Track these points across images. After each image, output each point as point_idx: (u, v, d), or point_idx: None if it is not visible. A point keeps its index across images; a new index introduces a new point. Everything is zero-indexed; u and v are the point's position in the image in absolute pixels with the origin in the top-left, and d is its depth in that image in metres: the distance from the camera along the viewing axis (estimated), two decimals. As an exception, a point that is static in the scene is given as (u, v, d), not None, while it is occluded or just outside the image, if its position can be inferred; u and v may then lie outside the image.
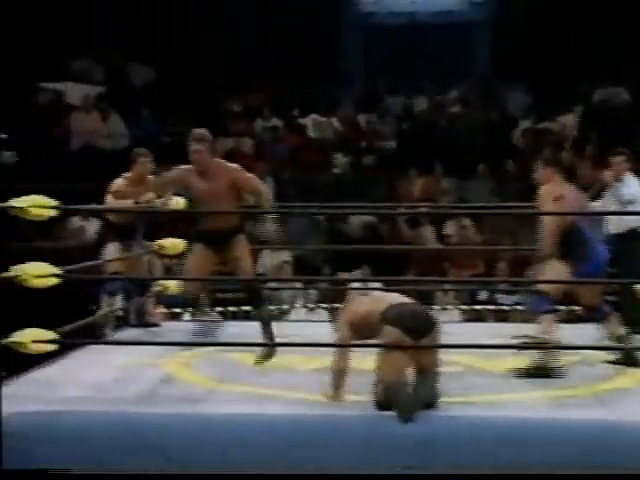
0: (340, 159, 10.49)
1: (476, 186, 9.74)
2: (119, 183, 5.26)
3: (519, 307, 6.91)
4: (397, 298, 3.45)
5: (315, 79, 11.05)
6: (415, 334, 3.27)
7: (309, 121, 10.86)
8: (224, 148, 10.61)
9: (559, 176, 4.15)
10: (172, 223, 7.05)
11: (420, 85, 11.15)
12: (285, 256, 8.97)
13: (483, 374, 4.03)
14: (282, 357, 4.27)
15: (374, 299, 3.48)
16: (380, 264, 8.54)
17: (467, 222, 9.35)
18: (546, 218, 3.96)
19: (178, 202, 5.37)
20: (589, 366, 4.17)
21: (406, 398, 3.18)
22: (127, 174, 5.30)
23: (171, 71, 10.83)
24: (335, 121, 10.86)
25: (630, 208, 5.15)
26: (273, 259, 8.94)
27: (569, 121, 10.37)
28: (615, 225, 5.24)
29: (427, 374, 3.30)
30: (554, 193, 4.00)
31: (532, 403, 3.49)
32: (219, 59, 11.46)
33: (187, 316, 6.85)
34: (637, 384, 3.82)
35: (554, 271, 3.96)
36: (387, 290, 3.81)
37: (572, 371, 4.04)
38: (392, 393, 3.19)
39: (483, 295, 7.62)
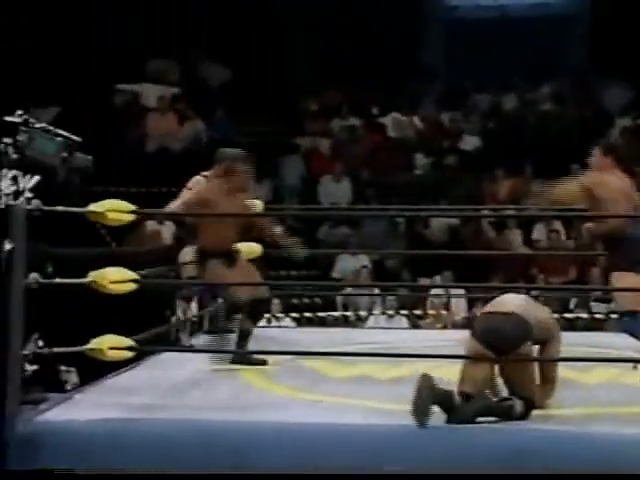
0: (421, 159, 10.44)
1: (568, 187, 9.53)
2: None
3: (613, 315, 6.75)
4: (517, 306, 3.40)
5: (396, 76, 11.03)
6: (494, 350, 3.29)
7: (389, 120, 10.85)
8: (301, 148, 10.71)
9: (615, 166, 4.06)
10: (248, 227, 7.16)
11: (509, 81, 10.99)
12: (364, 261, 9.00)
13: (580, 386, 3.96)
14: (361, 366, 4.30)
15: (494, 304, 3.49)
16: (463, 270, 8.47)
17: (558, 226, 9.19)
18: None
19: (254, 204, 5.44)
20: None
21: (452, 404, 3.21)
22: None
23: (247, 71, 11.01)
24: (416, 120, 10.82)
25: None
26: (351, 264, 8.98)
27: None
28: None
29: (512, 390, 3.31)
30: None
31: (622, 418, 3.42)
32: (297, 58, 11.58)
33: (262, 322, 6.95)
34: None
35: (626, 282, 3.84)
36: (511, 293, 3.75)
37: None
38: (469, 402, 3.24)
39: (574, 303, 7.47)
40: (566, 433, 3.20)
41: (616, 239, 4.08)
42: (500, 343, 3.30)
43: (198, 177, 5.36)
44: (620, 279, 4.01)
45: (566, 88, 10.79)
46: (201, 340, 5.15)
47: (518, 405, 3.30)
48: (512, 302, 3.44)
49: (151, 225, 8.51)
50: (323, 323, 7.31)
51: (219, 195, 4.47)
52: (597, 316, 6.88)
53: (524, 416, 3.30)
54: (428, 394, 3.20)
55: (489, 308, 3.47)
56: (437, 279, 8.79)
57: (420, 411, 3.17)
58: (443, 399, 3.24)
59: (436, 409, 3.23)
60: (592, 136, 10.03)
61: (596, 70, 10.92)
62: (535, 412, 3.35)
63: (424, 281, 8.83)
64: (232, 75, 11.31)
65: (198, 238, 4.45)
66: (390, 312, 7.65)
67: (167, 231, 8.45)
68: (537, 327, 3.40)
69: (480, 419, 3.25)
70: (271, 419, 3.36)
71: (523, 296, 3.51)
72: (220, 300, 5.40)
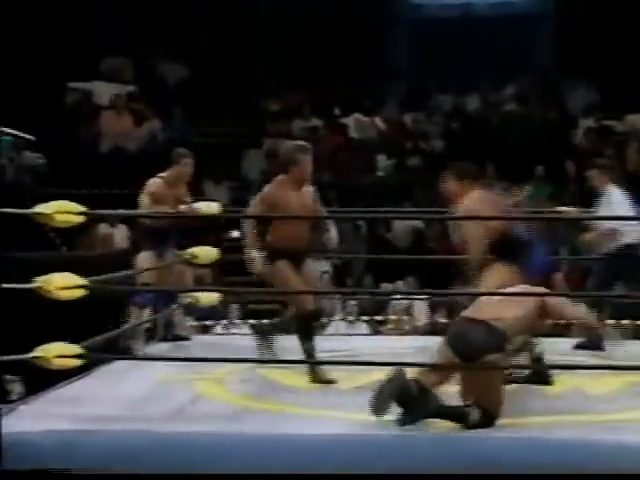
0: (384, 161, 10.47)
1: (532, 190, 9.65)
2: (156, 184, 5.29)
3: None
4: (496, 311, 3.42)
5: (359, 76, 11.05)
6: (460, 356, 3.34)
7: (351, 121, 10.87)
8: (260, 150, 10.67)
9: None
10: (204, 231, 7.12)
11: (473, 82, 11.08)
12: (325, 265, 8.97)
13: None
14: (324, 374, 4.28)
15: (471, 309, 3.51)
16: (427, 274, 8.50)
17: (523, 229, 9.27)
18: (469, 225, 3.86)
19: (210, 207, 5.41)
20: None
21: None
22: (164, 174, 5.32)
23: (206, 70, 10.94)
24: (379, 121, 10.86)
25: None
26: (312, 268, 8.95)
27: (634, 118, 10.22)
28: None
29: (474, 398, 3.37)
30: None
31: (584, 425, 3.46)
32: (258, 57, 11.54)
33: (219, 329, 6.92)
34: None
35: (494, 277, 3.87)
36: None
37: (633, 392, 3.98)
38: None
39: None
40: (526, 441, 3.22)
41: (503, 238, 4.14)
42: (465, 350, 3.33)
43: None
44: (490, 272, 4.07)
45: (530, 89, 10.90)
46: (155, 349, 5.09)
47: (474, 414, 3.33)
48: (488, 308, 3.44)
49: (103, 228, 8.42)
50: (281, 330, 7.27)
51: (286, 191, 4.44)
52: (560, 321, 6.94)
53: (480, 426, 3.32)
54: (391, 391, 3.28)
55: (466, 312, 3.49)
56: (400, 284, 8.81)
57: (379, 406, 3.27)
58: (403, 397, 3.31)
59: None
60: (556, 137, 10.23)
61: (560, 70, 11.05)
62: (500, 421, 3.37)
63: (386, 286, 8.85)
64: (190, 74, 11.24)
65: (268, 235, 4.27)
66: (351, 318, 7.64)
67: (120, 234, 8.36)
68: (516, 327, 3.40)
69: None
70: (225, 430, 3.33)
71: (504, 298, 3.48)
72: (175, 306, 5.35)
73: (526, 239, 4.16)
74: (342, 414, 3.60)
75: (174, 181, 5.30)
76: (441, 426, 3.37)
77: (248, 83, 11.12)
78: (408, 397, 3.32)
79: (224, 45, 11.10)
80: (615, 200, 5.11)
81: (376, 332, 7.61)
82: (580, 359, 4.74)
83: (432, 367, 3.41)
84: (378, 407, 3.33)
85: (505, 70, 11.00)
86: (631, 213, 5.07)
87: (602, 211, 5.14)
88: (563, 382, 4.13)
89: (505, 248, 4.09)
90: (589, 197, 9.30)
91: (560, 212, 5.40)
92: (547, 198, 9.56)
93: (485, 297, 3.56)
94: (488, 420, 3.36)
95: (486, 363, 3.32)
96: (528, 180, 9.75)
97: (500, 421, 3.40)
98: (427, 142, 10.60)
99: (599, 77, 10.58)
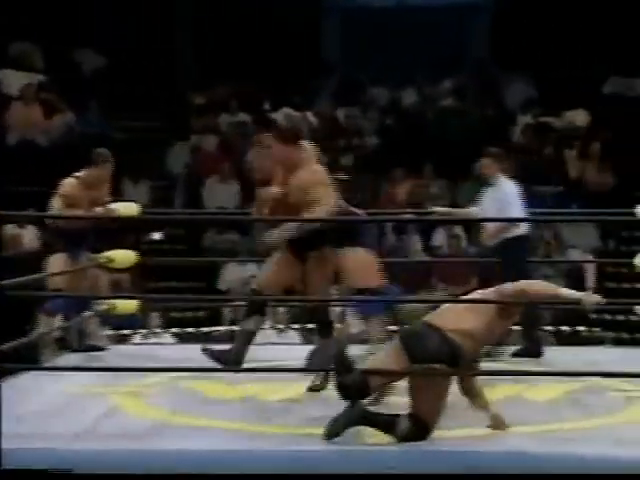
0: (316, 159, 10.47)
1: (470, 189, 9.77)
2: (71, 185, 5.17)
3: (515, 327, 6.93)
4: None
5: (290, 69, 11.04)
6: (409, 354, 3.42)
7: (281, 116, 10.82)
8: (185, 146, 10.58)
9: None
10: (122, 233, 7.01)
11: (408, 75, 11.18)
12: (253, 270, 8.93)
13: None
14: (246, 386, 4.26)
15: (435, 313, 3.55)
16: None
17: (459, 231, 9.38)
18: None
19: (128, 208, 5.32)
20: (597, 394, 4.18)
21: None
22: (81, 174, 5.21)
23: (125, 59, 10.76)
24: (310, 115, 10.80)
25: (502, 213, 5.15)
26: (239, 274, 8.90)
27: (579, 117, 10.45)
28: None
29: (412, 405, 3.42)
30: None
31: (522, 436, 3.49)
32: (183, 48, 11.43)
33: (137, 338, 6.81)
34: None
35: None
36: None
37: (572, 400, 4.04)
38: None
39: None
40: (460, 455, 3.25)
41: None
42: (416, 350, 3.36)
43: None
44: (351, 256, 4.10)
45: (468, 83, 11.05)
46: (67, 360, 4.97)
47: (403, 424, 3.35)
48: (449, 315, 3.46)
49: (10, 229, 8.22)
50: (207, 339, 7.24)
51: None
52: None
53: (410, 437, 3.35)
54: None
55: (429, 316, 3.52)
56: (333, 289, 8.81)
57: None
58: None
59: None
60: (494, 134, 10.38)
61: (498, 64, 11.22)
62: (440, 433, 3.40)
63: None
64: (108, 64, 11.05)
65: None
66: (280, 326, 7.61)
67: (29, 235, 8.18)
68: (475, 340, 3.42)
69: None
70: (141, 448, 3.27)
71: (471, 306, 3.50)
72: (88, 314, 5.24)
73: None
74: (268, 428, 3.58)
75: (92, 182, 5.20)
76: (376, 439, 3.37)
77: (171, 75, 10.99)
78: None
79: (145, 33, 10.93)
80: (506, 191, 5.22)
81: (308, 341, 7.58)
82: (519, 367, 4.80)
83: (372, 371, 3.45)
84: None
85: (442, 63, 11.13)
86: (520, 205, 5.18)
87: (491, 202, 5.22)
88: (502, 391, 4.18)
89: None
90: (528, 196, 9.54)
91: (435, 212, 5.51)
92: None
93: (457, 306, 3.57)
94: (421, 432, 3.37)
95: (430, 369, 3.34)
96: (466, 178, 9.87)
97: (436, 433, 3.42)
98: (361, 139, 10.65)
99: (537, 71, 10.79)
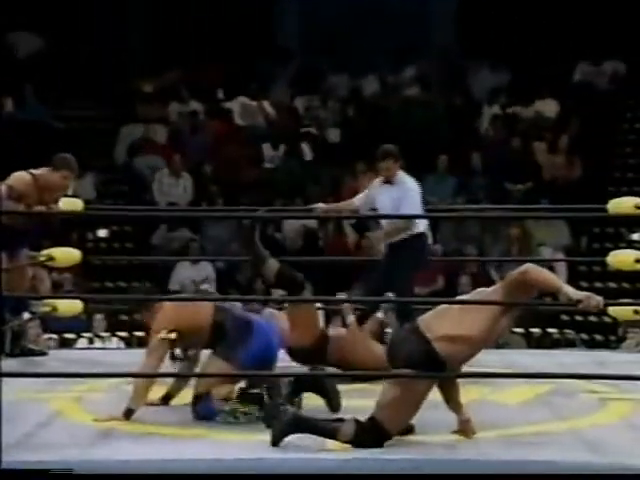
0: (272, 151, 10.47)
1: (436, 183, 9.83)
2: (23, 180, 5.05)
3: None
4: None
5: (244, 56, 11.01)
6: (389, 359, 3.58)
7: (236, 105, 10.83)
8: (132, 136, 10.50)
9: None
10: (65, 230, 6.95)
11: (370, 63, 11.21)
12: (207, 270, 8.91)
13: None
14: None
15: (431, 313, 3.62)
16: (322, 278, 8.54)
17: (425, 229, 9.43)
18: None
19: (72, 203, 5.27)
20: (568, 397, 4.23)
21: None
22: (36, 172, 5.10)
23: (65, 42, 10.61)
24: (267, 105, 10.86)
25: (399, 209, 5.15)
26: (192, 273, 8.87)
27: (548, 107, 10.56)
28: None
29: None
30: None
31: (491, 441, 3.53)
32: (130, 30, 11.31)
33: (82, 342, 6.76)
34: (619, 419, 3.88)
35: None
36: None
37: (543, 403, 4.08)
38: None
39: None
40: (426, 462, 3.27)
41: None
42: (395, 356, 3.44)
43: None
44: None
45: (432, 71, 11.10)
46: (3, 365, 4.89)
47: (347, 428, 3.37)
48: (444, 321, 3.45)
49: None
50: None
51: None
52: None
53: (363, 441, 3.36)
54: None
55: (422, 319, 3.53)
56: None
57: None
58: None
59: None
60: (461, 125, 10.45)
61: (464, 52, 11.30)
62: (400, 438, 3.43)
63: (278, 292, 8.84)
64: (47, 47, 10.91)
65: None
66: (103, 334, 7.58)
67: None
68: (465, 352, 3.45)
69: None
70: (82, 457, 3.26)
71: (470, 307, 3.50)
72: (27, 316, 5.18)
73: None
74: (218, 434, 3.59)
75: (44, 185, 5.09)
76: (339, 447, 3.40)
77: (116, 59, 10.86)
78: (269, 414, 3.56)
79: (88, 14, 10.78)
80: (406, 188, 5.25)
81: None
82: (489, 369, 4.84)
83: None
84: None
85: (405, 50, 11.17)
86: (419, 202, 5.21)
87: (388, 201, 5.22)
88: (470, 394, 4.22)
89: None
90: (496, 190, 9.63)
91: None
92: (452, 191, 9.79)
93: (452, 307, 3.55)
94: (377, 436, 3.38)
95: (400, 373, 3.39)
96: (431, 171, 9.93)
97: (399, 438, 3.44)
98: (321, 130, 10.67)
99: (505, 59, 10.87)
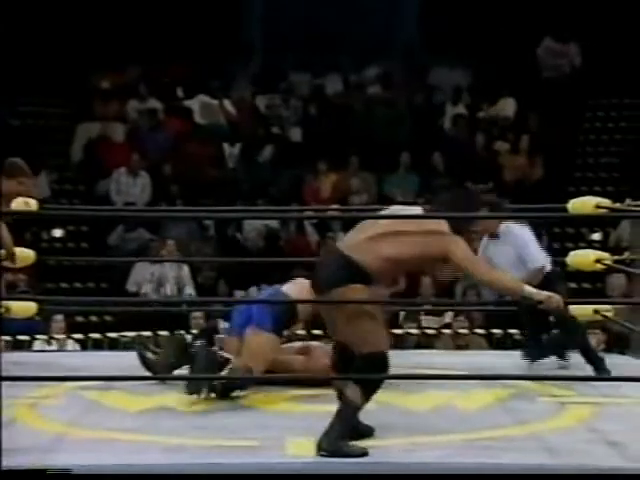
0: (234, 151, 10.46)
1: (399, 182, 9.89)
2: None
3: (446, 331, 7.05)
4: None
5: (206, 53, 10.98)
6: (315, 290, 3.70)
7: (196, 103, 10.80)
8: (88, 135, 10.43)
9: None
10: (19, 230, 6.88)
11: (332, 61, 11.24)
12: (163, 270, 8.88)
13: (402, 411, 4.09)
14: (160, 396, 4.27)
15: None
16: (283, 280, 8.55)
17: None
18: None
19: (26, 203, 5.23)
20: (528, 400, 4.28)
21: None
22: None
23: (18, 34, 10.46)
24: (228, 104, 10.84)
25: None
26: (148, 274, 8.83)
27: (508, 106, 10.67)
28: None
29: None
30: None
31: (450, 445, 3.56)
32: (87, 25, 11.19)
33: (37, 345, 6.70)
34: (578, 422, 3.94)
35: None
36: None
37: (503, 407, 4.13)
38: None
39: (403, 316, 7.71)
40: (383, 465, 3.30)
41: None
42: (317, 278, 3.54)
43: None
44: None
45: (395, 70, 11.15)
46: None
47: (352, 389, 3.41)
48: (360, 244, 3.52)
49: None
50: (114, 346, 7.16)
51: None
52: (428, 331, 7.15)
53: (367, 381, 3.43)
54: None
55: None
56: (252, 291, 8.82)
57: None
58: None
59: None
60: (423, 125, 10.51)
61: (426, 50, 11.35)
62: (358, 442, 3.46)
63: (239, 294, 8.84)
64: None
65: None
66: (196, 331, 7.56)
67: None
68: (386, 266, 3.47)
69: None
70: (34, 463, 3.24)
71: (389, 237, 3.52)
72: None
73: None
74: (176, 439, 3.59)
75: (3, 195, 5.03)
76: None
77: (72, 54, 10.73)
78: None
79: (43, 5, 10.63)
80: (518, 235, 4.95)
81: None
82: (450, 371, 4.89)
83: None
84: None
85: (368, 49, 11.21)
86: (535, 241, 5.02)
87: (518, 257, 5.04)
88: (432, 399, 4.26)
89: None
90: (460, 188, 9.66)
91: None
92: (415, 190, 9.84)
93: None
94: (377, 363, 3.41)
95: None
96: (393, 171, 9.98)
97: (356, 442, 3.46)
98: (283, 129, 10.67)
99: (468, 58, 10.94)
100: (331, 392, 3.65)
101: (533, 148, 10.07)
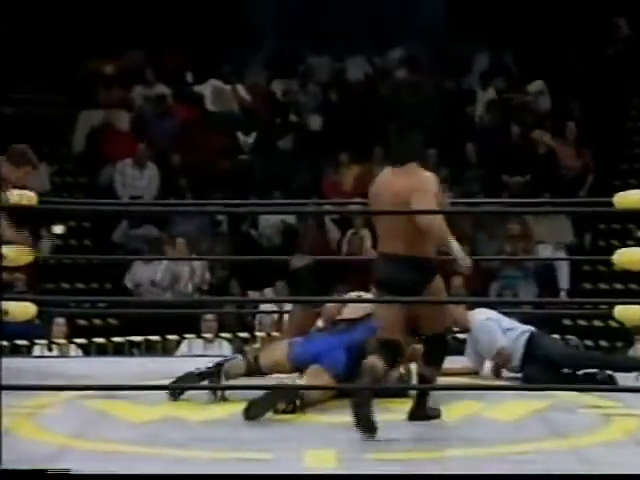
0: (248, 140, 10.47)
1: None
2: None
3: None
4: None
5: (216, 36, 10.99)
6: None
7: (207, 89, 10.82)
8: (91, 123, 10.47)
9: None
10: (17, 226, 6.90)
11: (354, 44, 11.21)
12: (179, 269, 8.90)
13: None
14: (168, 405, 4.29)
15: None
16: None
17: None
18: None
19: (25, 196, 5.24)
20: (565, 412, 4.25)
21: None
22: None
23: (13, 18, 10.51)
24: (242, 90, 10.86)
25: None
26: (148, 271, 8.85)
27: (538, 89, 10.58)
28: None
29: None
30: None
31: (484, 458, 3.56)
32: (87, 6, 11.23)
33: (37, 350, 6.74)
34: (625, 436, 3.91)
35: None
36: None
37: (541, 419, 4.12)
38: None
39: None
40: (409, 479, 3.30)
41: None
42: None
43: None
44: None
45: (421, 52, 11.10)
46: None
47: (375, 362, 3.90)
48: None
49: None
50: (120, 351, 7.21)
51: None
52: (459, 335, 7.12)
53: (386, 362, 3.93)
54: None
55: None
56: (268, 292, 8.84)
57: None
58: None
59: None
60: (453, 111, 10.46)
61: (455, 32, 11.29)
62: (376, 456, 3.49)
63: (253, 295, 8.86)
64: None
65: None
66: (208, 335, 7.61)
67: None
68: None
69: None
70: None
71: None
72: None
73: None
74: (183, 452, 3.60)
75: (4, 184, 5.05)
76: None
77: (73, 38, 10.77)
78: None
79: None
80: None
81: (240, 352, 7.58)
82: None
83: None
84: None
85: (391, 29, 11.17)
86: None
87: None
88: (459, 408, 4.25)
89: None
90: (492, 183, 9.64)
91: None
92: (444, 183, 9.80)
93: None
94: (392, 350, 3.94)
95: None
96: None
97: (377, 455, 3.47)
98: (301, 117, 10.66)
99: (501, 39, 10.89)
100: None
101: (578, 137, 9.98)
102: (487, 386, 4.59)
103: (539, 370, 4.81)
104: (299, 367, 4.44)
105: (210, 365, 4.44)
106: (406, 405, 4.17)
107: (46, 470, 3.17)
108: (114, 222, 9.63)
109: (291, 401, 4.13)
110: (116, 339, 7.41)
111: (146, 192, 9.83)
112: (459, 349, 5.20)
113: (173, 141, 10.38)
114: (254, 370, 4.48)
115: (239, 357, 4.58)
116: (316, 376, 4.35)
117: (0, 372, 3.39)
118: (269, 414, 4.07)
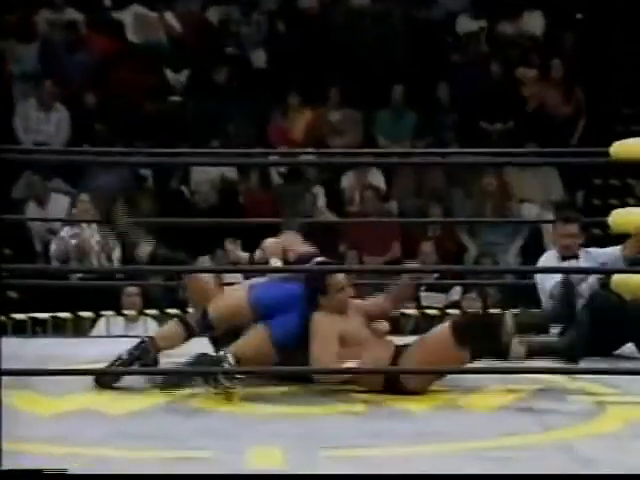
0: (178, 78, 10.42)
1: (390, 120, 9.88)
2: None
3: (452, 311, 7.09)
4: None
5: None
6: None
7: (129, 16, 10.74)
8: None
9: None
10: None
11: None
12: (89, 232, 8.86)
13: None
14: (84, 396, 4.33)
15: None
16: (246, 245, 8.55)
17: (377, 178, 9.50)
18: None
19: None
20: (554, 401, 4.33)
21: None
22: None
23: None
24: (171, 17, 10.79)
25: None
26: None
27: (534, 21, 10.64)
28: None
29: None
30: None
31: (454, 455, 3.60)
32: None
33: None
34: (621, 426, 3.97)
35: None
36: None
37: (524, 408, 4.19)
38: None
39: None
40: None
41: None
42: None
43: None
44: None
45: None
46: None
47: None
48: None
49: None
50: (21, 330, 7.20)
51: None
52: (429, 312, 7.18)
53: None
54: None
55: None
56: (204, 260, 8.82)
57: None
58: None
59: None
60: (423, 46, 10.46)
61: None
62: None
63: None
64: None
65: None
66: (131, 312, 7.62)
67: None
68: None
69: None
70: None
71: None
72: None
73: None
74: (100, 450, 3.62)
75: None
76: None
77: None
78: None
79: None
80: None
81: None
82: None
83: None
84: None
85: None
86: None
87: None
88: (436, 397, 4.32)
89: None
90: (468, 129, 9.68)
91: None
92: (411, 131, 9.83)
93: None
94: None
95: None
96: (384, 106, 9.96)
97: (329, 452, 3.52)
98: (242, 51, 10.63)
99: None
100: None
101: (568, 76, 10.03)
102: (460, 370, 4.61)
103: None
104: (258, 313, 4.57)
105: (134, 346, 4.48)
106: (369, 396, 4.24)
107: (41, 470, 3.27)
108: (15, 174, 9.54)
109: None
110: (16, 315, 7.39)
111: (54, 138, 9.75)
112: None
113: (87, 78, 10.30)
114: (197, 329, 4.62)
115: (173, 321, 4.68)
116: (256, 337, 4.51)
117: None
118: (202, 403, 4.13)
